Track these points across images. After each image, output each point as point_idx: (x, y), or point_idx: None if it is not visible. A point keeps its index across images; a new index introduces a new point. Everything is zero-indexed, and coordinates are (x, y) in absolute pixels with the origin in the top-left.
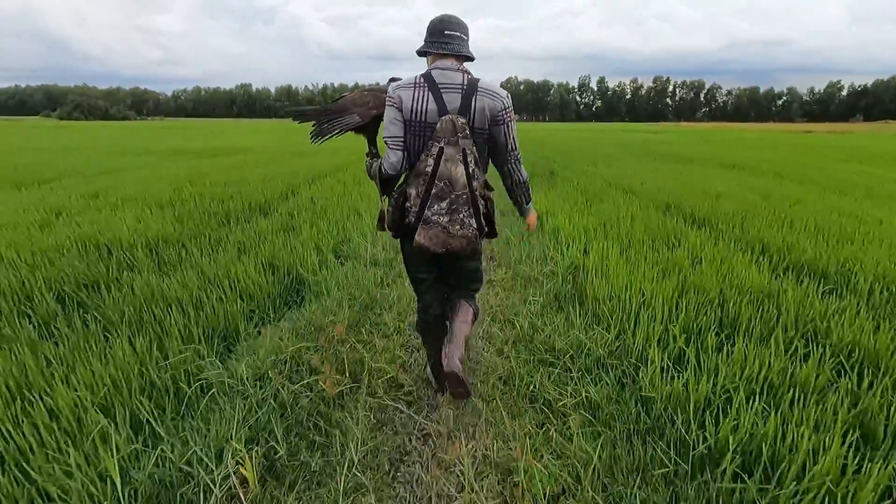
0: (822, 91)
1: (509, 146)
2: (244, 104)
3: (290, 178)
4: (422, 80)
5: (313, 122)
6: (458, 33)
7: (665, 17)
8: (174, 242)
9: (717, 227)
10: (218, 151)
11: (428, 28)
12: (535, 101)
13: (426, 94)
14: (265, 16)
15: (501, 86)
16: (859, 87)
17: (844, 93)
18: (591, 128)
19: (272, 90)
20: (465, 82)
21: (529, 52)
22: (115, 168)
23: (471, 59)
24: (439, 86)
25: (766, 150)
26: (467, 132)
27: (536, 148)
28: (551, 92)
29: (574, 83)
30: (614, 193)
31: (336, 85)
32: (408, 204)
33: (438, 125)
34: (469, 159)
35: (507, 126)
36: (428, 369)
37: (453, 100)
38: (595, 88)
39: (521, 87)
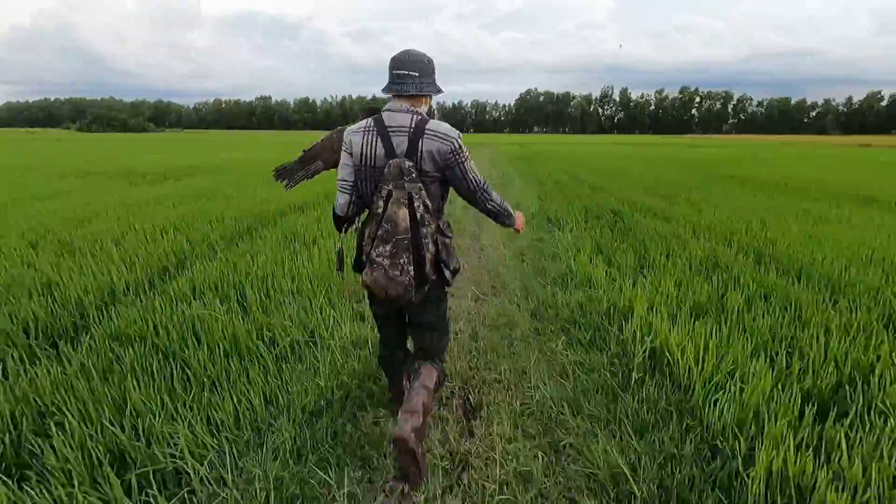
0: (858, 102)
1: (471, 186)
2: (263, 116)
3: (213, 227)
4: (371, 123)
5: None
6: (408, 72)
7: (686, 30)
8: None
9: None
10: (180, 172)
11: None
12: (555, 112)
13: (375, 138)
14: (291, 32)
15: (519, 98)
16: None
17: (884, 103)
18: (620, 140)
19: (291, 102)
20: (413, 125)
21: (549, 64)
22: (15, 197)
23: (429, 95)
24: (388, 129)
25: (869, 172)
26: (413, 175)
27: (570, 167)
28: (572, 104)
29: (596, 94)
30: (775, 279)
31: (354, 97)
32: (364, 243)
33: (386, 169)
34: (416, 204)
35: (462, 167)
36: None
37: (401, 143)
38: (617, 100)
39: (542, 99)
